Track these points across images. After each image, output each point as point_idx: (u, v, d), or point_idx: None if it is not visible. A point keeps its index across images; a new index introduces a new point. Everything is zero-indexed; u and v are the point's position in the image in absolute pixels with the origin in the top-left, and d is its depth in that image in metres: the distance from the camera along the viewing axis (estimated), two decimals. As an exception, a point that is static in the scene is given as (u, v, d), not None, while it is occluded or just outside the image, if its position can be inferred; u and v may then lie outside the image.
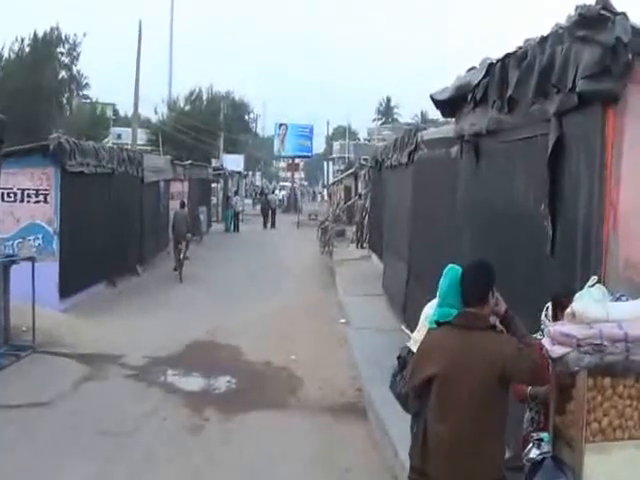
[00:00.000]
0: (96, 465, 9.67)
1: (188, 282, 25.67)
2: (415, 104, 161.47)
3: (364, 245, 33.88)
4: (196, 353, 15.78)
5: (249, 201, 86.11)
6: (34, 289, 15.52)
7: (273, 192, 75.90)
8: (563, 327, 5.43)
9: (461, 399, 5.53)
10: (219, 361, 15.12)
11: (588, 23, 6.83)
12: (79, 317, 18.45)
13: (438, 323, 5.94)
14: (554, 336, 5.40)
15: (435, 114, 13.62)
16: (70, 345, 15.81)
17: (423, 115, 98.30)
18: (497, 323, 5.82)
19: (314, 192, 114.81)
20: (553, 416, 5.60)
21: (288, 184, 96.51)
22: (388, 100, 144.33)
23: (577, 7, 6.97)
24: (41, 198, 19.53)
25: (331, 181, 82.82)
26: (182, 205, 30.53)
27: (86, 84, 55.30)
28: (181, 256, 27.10)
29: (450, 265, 6.33)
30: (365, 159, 39.17)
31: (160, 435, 10.95)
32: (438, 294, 6.28)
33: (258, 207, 71.39)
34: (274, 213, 58.73)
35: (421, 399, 5.90)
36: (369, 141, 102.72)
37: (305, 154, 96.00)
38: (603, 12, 6.67)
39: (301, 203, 76.54)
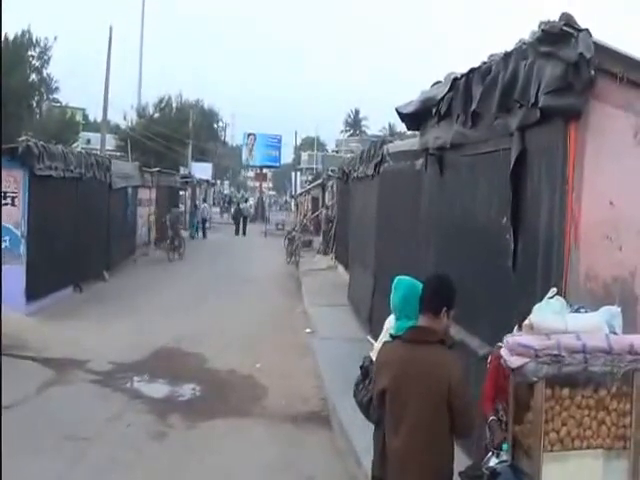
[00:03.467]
0: (58, 469, 9.62)
1: (154, 289, 25.58)
2: (383, 117, 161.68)
3: (331, 256, 33.92)
4: (162, 360, 15.72)
5: (217, 209, 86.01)
6: (0, 292, 15.45)
7: (246, 201, 75.88)
8: (521, 338, 5.53)
9: (409, 412, 5.66)
10: (184, 368, 15.08)
11: (551, 39, 6.93)
12: (45, 321, 18.35)
13: (392, 336, 6.05)
14: (512, 347, 5.50)
15: (403, 127, 13.70)
16: (35, 349, 15.72)
17: (391, 128, 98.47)
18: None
19: (286, 201, 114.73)
20: (512, 425, 5.69)
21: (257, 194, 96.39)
22: (356, 112, 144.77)
23: (540, 23, 7.07)
24: (9, 201, 19.36)
25: (299, 191, 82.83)
26: (176, 205, 39.09)
27: (56, 88, 54.97)
28: (176, 242, 36.21)
29: (398, 278, 6.46)
30: (333, 170, 39.21)
31: (123, 441, 10.90)
32: (392, 308, 6.39)
33: (226, 215, 72.03)
34: (245, 221, 59.93)
35: (380, 410, 6.01)
36: (337, 152, 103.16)
37: (273, 164, 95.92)
38: (566, 28, 6.76)
39: (269, 213, 76.55)
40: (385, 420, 5.93)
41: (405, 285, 6.36)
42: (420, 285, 6.14)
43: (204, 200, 56.57)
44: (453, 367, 5.63)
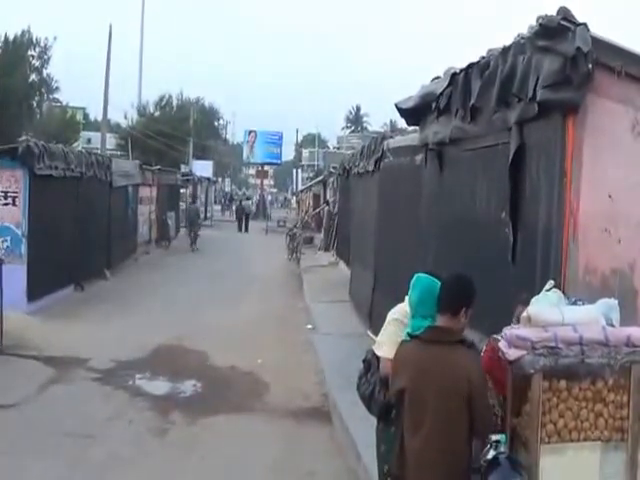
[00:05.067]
0: (60, 466, 9.63)
1: (156, 287, 25.63)
2: (385, 113, 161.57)
3: (332, 252, 33.92)
4: (163, 357, 15.73)
5: (218, 207, 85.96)
6: (1, 292, 15.48)
7: (248, 199, 76.09)
8: (519, 330, 5.54)
9: (429, 412, 5.64)
10: (185, 365, 15.08)
11: (549, 33, 6.95)
12: (46, 320, 18.32)
13: (410, 336, 6.03)
14: (510, 339, 5.51)
15: (404, 123, 13.72)
16: (37, 348, 15.71)
17: (392, 124, 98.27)
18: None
19: (285, 199, 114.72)
20: (510, 417, 5.70)
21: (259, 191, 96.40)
22: (358, 109, 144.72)
23: (538, 17, 7.09)
24: (9, 201, 19.41)
25: (300, 188, 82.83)
26: (193, 201, 46.04)
27: (56, 88, 55.04)
28: (192, 235, 41.02)
29: (417, 275, 6.41)
30: (334, 167, 39.25)
31: (125, 438, 10.91)
32: (409, 305, 6.36)
33: (227, 213, 72.41)
34: (248, 218, 60.65)
35: (399, 408, 6.01)
36: (338, 149, 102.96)
37: (274, 161, 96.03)
38: (564, 23, 6.78)
39: (270, 210, 76.57)
40: (404, 420, 5.93)
41: (423, 283, 6.30)
42: (438, 284, 6.08)
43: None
44: (473, 367, 5.62)
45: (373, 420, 6.84)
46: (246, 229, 59.32)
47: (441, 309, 5.84)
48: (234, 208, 68.62)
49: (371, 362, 6.83)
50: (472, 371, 5.59)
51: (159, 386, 13.93)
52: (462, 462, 5.69)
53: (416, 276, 6.42)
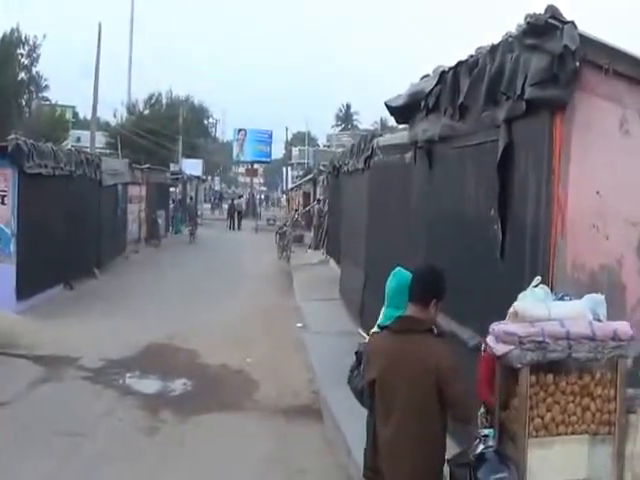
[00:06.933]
0: (51, 465, 9.65)
1: (146, 285, 25.64)
2: (375, 111, 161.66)
3: (322, 250, 33.94)
4: (153, 356, 15.75)
5: (208, 206, 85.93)
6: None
7: (239, 197, 76.50)
8: (506, 326, 5.60)
9: (399, 401, 5.71)
10: (176, 364, 15.12)
11: (537, 32, 6.98)
12: (36, 319, 18.34)
13: (380, 327, 6.11)
14: (498, 334, 5.58)
15: (394, 121, 13.76)
16: (27, 347, 15.74)
17: (382, 122, 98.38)
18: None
19: (278, 199, 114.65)
20: (498, 412, 5.75)
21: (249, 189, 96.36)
22: (348, 107, 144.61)
23: (526, 16, 7.13)
24: (-1, 199, 19.43)
25: (290, 187, 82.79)
26: (191, 198, 53.65)
27: (46, 86, 55.17)
28: (191, 228, 46.59)
29: (398, 268, 6.49)
30: (324, 165, 39.19)
31: (115, 436, 10.94)
32: (386, 295, 6.44)
33: (217, 212, 72.88)
34: (240, 217, 62.30)
35: (372, 399, 6.07)
36: (328, 147, 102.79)
37: (264, 159, 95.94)
38: (551, 21, 6.81)
39: (260, 208, 76.72)
40: (375, 410, 6.00)
41: (402, 276, 6.38)
42: None
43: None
44: (441, 355, 5.66)
45: (364, 418, 6.88)
46: (239, 227, 60.78)
47: (412, 299, 5.90)
48: (227, 207, 69.24)
49: (363, 355, 6.88)
50: (441, 359, 5.64)
51: (149, 385, 13.96)
52: (435, 450, 5.75)
53: (397, 268, 6.51)
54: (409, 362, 5.68)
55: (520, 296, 5.82)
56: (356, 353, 7.01)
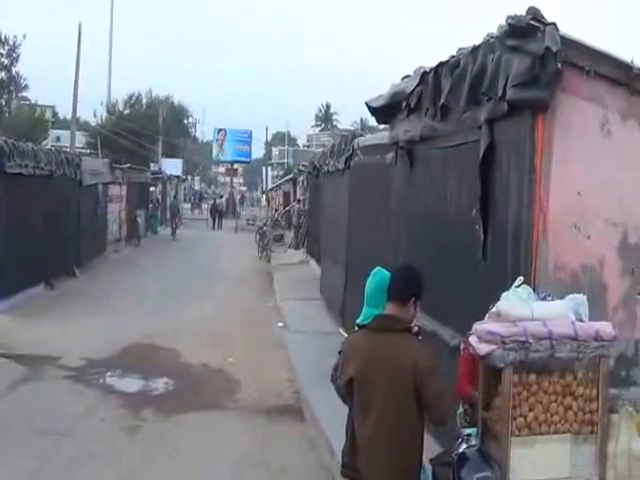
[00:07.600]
0: (31, 464, 9.60)
1: (126, 285, 25.57)
2: (355, 111, 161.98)
3: (302, 250, 33.95)
4: (134, 355, 15.68)
5: (188, 206, 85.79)
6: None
7: (221, 197, 76.82)
8: (489, 325, 5.63)
9: (377, 399, 5.72)
10: (157, 363, 15.09)
11: (518, 33, 7.03)
12: (16, 318, 18.31)
13: (358, 326, 6.13)
14: (480, 334, 5.60)
15: (374, 121, 13.78)
16: (7, 346, 15.65)
17: (363, 122, 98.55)
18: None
19: (258, 199, 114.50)
20: (481, 411, 5.78)
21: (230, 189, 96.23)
22: (327, 107, 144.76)
23: (508, 17, 7.17)
24: (-21, 199, 19.31)
25: (270, 187, 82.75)
26: (175, 197, 54.33)
27: (25, 86, 54.92)
28: (174, 226, 48.58)
29: (378, 268, 6.51)
30: (304, 165, 39.23)
31: (97, 435, 10.90)
32: (365, 294, 6.46)
33: (197, 211, 73.24)
34: (221, 216, 63.81)
35: (350, 398, 6.08)
36: (308, 147, 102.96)
37: (244, 159, 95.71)
38: (533, 22, 6.86)
39: (239, 208, 76.77)
40: (353, 408, 6.01)
41: (381, 276, 6.39)
42: None
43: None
44: (419, 354, 5.69)
45: (345, 417, 6.88)
46: (220, 226, 61.85)
47: (390, 298, 5.91)
48: (208, 206, 69.76)
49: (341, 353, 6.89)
50: (419, 357, 5.67)
51: (131, 384, 13.91)
52: (413, 449, 5.78)
53: (377, 268, 6.53)
54: (387, 361, 5.70)
55: (503, 296, 5.85)
56: (340, 352, 7.02)
